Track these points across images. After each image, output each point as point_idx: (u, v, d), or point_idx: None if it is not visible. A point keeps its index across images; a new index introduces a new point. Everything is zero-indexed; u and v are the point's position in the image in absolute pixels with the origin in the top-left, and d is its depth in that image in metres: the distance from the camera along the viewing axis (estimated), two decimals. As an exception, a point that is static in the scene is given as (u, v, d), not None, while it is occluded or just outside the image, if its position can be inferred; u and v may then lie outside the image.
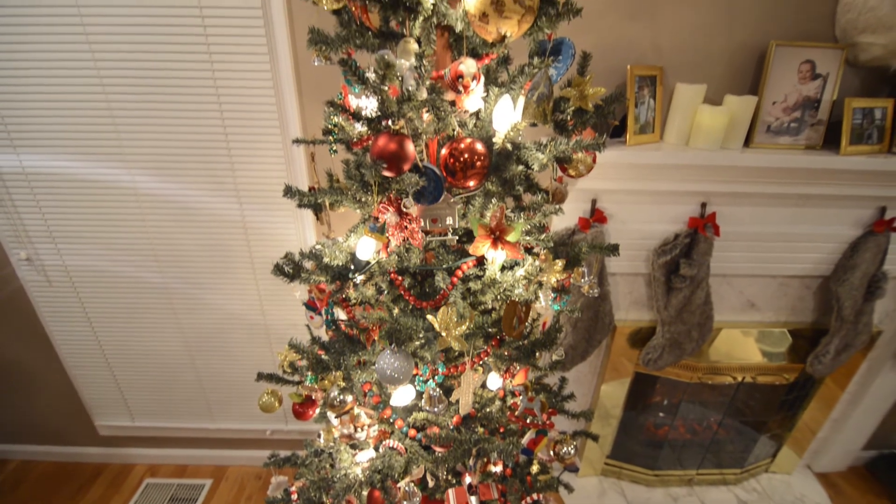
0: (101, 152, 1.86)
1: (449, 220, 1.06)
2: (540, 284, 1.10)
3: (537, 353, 1.21)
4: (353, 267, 1.15)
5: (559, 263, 1.10)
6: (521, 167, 1.00)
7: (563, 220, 1.83)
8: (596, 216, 1.79)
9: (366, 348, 1.21)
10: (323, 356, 1.25)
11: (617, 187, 1.76)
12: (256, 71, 1.70)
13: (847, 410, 2.47)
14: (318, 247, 1.15)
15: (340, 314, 1.35)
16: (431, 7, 0.87)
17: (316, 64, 1.02)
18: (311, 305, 1.37)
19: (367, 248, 1.05)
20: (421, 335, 1.05)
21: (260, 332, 2.27)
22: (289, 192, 1.12)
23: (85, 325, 2.25)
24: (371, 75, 0.93)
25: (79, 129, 1.82)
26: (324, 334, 1.41)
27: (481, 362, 1.19)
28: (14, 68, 1.71)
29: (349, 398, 1.30)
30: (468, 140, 0.97)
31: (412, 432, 1.29)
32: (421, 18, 0.89)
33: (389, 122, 0.91)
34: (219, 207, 1.96)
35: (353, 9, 0.90)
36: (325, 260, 1.11)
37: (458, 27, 0.90)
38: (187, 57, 1.68)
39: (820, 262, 2.01)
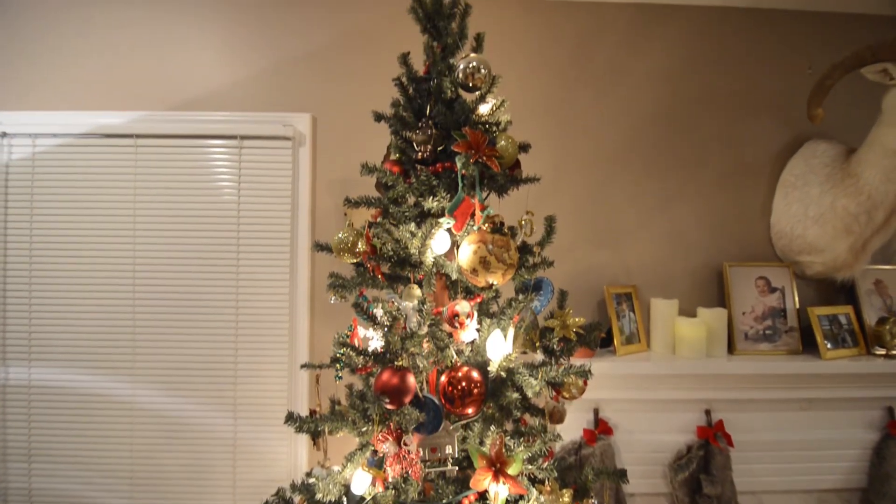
0: (114, 366, 1.92)
1: (448, 450, 1.05)
2: (549, 523, 1.02)
3: None
4: (346, 502, 1.08)
5: (567, 495, 1.04)
6: (516, 394, 1.05)
7: (568, 432, 1.77)
8: (601, 427, 1.74)
9: None
10: None
11: (616, 396, 1.76)
12: (276, 294, 1.91)
13: None
14: (311, 480, 1.10)
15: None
16: (432, 263, 1.07)
17: (332, 302, 1.18)
18: (294, 550, 1.21)
19: (362, 483, 1.01)
20: None
21: (227, 579, 1.91)
22: (290, 418, 1.14)
23: (21, 571, 1.91)
24: (379, 312, 1.07)
25: (99, 345, 1.92)
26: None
27: None
28: (54, 285, 1.92)
29: None
30: (465, 368, 1.04)
31: None
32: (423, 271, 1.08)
33: (393, 356, 1.00)
34: (212, 422, 1.91)
35: (368, 266, 1.10)
36: (318, 496, 1.05)
37: (454, 276, 1.09)
38: (217, 276, 1.92)
39: (851, 471, 1.85)
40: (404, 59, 1.13)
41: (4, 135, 1.92)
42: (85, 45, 1.94)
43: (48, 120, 1.92)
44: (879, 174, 1.67)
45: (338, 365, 1.17)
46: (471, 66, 1.05)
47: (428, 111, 1.10)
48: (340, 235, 1.11)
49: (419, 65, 1.17)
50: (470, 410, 1.03)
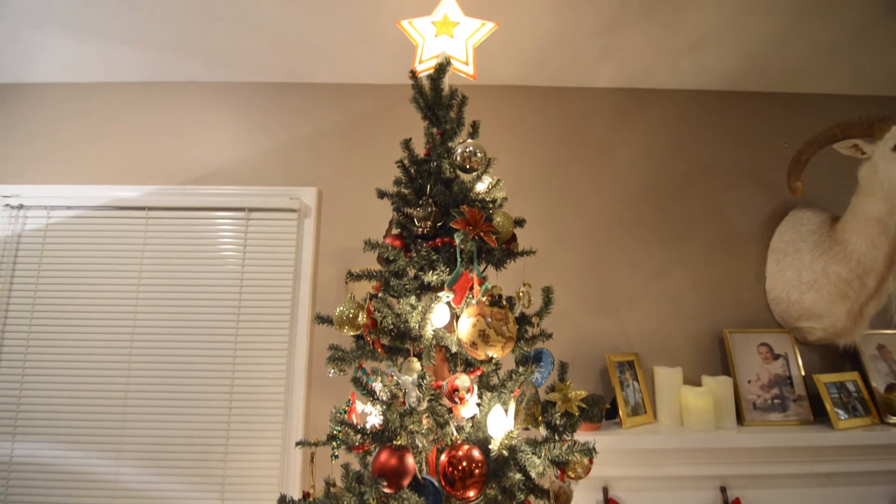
0: (100, 441, 1.85)
1: (449, 538, 0.99)
2: None
3: None
4: None
5: (577, 590, 0.97)
6: (519, 475, 1.01)
7: (576, 513, 1.66)
8: (611, 508, 1.64)
9: None
10: None
11: (626, 473, 1.68)
12: (273, 365, 1.88)
13: None
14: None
15: None
16: (431, 336, 1.07)
17: (331, 375, 1.17)
18: None
19: (358, 577, 0.94)
20: None
21: None
22: (283, 502, 1.09)
23: None
24: (378, 386, 1.06)
25: (88, 418, 1.86)
26: None
27: None
28: (49, 358, 1.90)
29: None
30: (466, 447, 1.01)
31: None
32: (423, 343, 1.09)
33: (392, 434, 0.97)
34: (199, 504, 1.80)
35: (368, 339, 1.10)
36: None
37: (454, 349, 1.09)
38: (215, 347, 1.90)
39: (884, 557, 1.72)
40: (406, 144, 1.22)
41: (21, 206, 2.00)
42: (103, 125, 2.08)
43: (65, 193, 2.01)
44: (865, 241, 1.73)
45: (335, 443, 1.13)
46: (468, 150, 1.14)
47: (428, 190, 1.17)
48: (342, 308, 1.12)
49: (420, 147, 1.26)
50: (471, 493, 0.98)
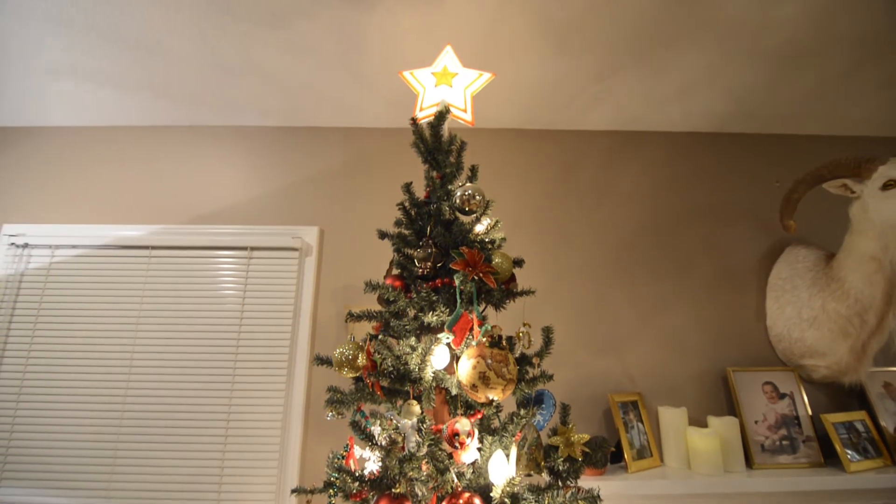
0: (89, 487, 1.78)
1: None
2: None
3: None
4: None
5: None
6: (523, 527, 0.97)
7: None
8: (618, 559, 1.57)
9: None
10: None
11: (632, 520, 1.61)
12: (270, 406, 1.85)
13: None
14: None
15: None
16: (431, 378, 1.07)
17: (329, 419, 1.15)
18: None
19: None
20: None
21: None
22: (277, 555, 1.05)
23: None
24: (376, 429, 1.04)
25: (78, 462, 1.81)
26: None
27: None
28: (43, 400, 1.86)
29: None
30: (467, 495, 0.98)
31: None
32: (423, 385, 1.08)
33: (390, 481, 0.95)
34: (188, 557, 1.72)
35: (368, 381, 1.10)
36: None
37: (454, 391, 1.08)
38: (212, 388, 1.87)
39: None
40: (407, 188, 1.25)
41: (26, 245, 2.03)
42: (110, 167, 2.14)
43: (70, 232, 2.04)
44: (861, 278, 1.74)
45: (331, 490, 1.10)
46: (467, 193, 1.17)
47: (428, 231, 1.19)
48: (341, 349, 1.12)
49: (420, 190, 1.30)
50: (473, 545, 0.94)
